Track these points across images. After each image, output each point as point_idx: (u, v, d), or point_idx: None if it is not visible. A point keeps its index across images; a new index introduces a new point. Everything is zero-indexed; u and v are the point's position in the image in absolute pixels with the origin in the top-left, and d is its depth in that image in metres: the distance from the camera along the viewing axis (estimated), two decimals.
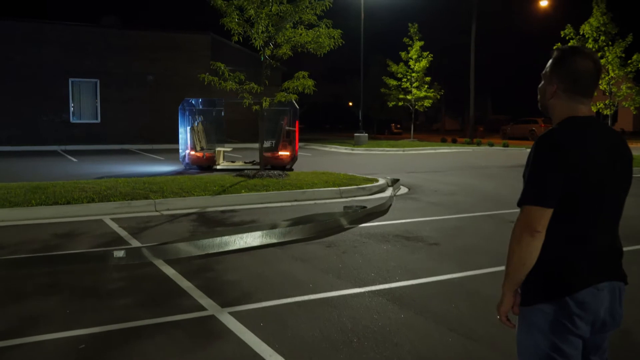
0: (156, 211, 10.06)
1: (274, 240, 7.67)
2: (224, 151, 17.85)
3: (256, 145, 16.27)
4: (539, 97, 2.51)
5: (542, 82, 2.48)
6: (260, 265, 6.53)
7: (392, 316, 4.88)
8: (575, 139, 2.28)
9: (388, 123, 47.56)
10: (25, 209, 9.43)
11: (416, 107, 25.43)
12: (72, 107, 30.29)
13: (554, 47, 2.49)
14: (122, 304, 5.19)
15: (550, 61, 2.44)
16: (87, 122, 30.42)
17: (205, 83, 13.38)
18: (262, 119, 14.01)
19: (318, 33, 13.13)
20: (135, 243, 7.61)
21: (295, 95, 14.05)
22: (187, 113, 16.76)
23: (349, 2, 30.76)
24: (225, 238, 7.41)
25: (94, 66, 29.88)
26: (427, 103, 25.52)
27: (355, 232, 8.38)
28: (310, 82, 13.61)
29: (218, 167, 16.59)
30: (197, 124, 16.61)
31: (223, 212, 10.15)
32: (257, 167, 15.03)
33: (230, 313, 4.89)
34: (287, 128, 16.48)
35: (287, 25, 13.10)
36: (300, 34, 13.28)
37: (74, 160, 21.37)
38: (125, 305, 5.15)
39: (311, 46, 13.42)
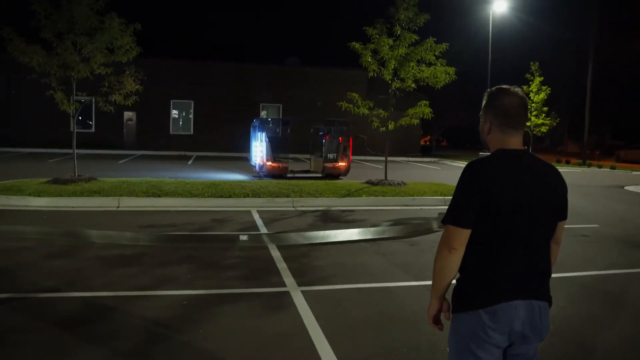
0: (293, 207, 10.42)
1: (369, 237, 7.65)
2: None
3: (304, 155, 16.73)
4: (480, 135, 2.33)
5: (480, 122, 2.30)
6: (346, 256, 6.56)
7: None
8: (497, 167, 2.09)
9: None
10: (200, 199, 10.28)
11: (534, 132, 23.91)
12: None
13: (485, 91, 2.29)
14: (228, 275, 5.52)
15: (482, 103, 2.26)
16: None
17: (342, 109, 13.61)
18: (388, 138, 13.93)
19: (434, 70, 12.81)
20: (263, 230, 7.98)
21: (418, 120, 13.82)
22: (256, 130, 15.70)
23: (478, 45, 29.61)
24: (328, 232, 7.53)
25: (277, 95, 31.74)
26: (543, 129, 23.85)
27: (440, 235, 8.07)
28: (427, 110, 13.32)
29: (288, 175, 15.34)
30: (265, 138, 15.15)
31: (343, 211, 10.26)
32: (317, 174, 15.67)
33: (302, 291, 4.99)
34: (344, 144, 15.76)
35: (411, 64, 12.93)
36: (422, 71, 13.05)
37: None
38: (230, 276, 5.47)
39: (430, 80, 13.11)
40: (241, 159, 26.14)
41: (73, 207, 9.34)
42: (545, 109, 23.70)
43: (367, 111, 13.50)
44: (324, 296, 4.92)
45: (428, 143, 46.98)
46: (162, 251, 6.46)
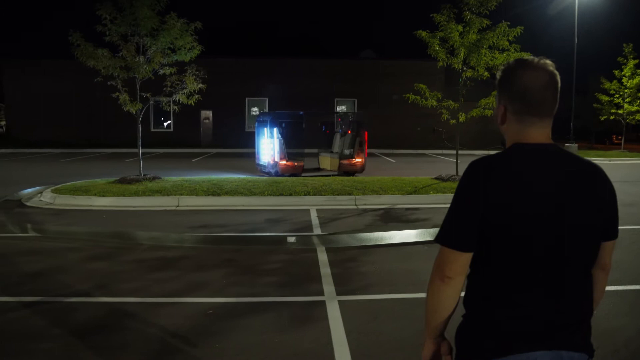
0: (355, 205, 9.95)
1: (427, 239, 7.04)
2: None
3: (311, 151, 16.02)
4: (495, 124, 1.76)
5: (495, 106, 1.74)
6: (398, 261, 6.03)
7: None
8: (510, 171, 1.52)
9: (609, 134, 41.33)
10: (259, 198, 10.08)
11: (627, 120, 21.70)
12: (337, 119, 32.20)
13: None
14: (264, 281, 5.20)
15: (496, 80, 1.69)
16: None
17: (409, 102, 12.93)
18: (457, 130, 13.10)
19: (508, 56, 11.82)
20: (317, 230, 7.60)
21: (491, 111, 12.87)
22: (265, 126, 14.25)
23: (564, 28, 27.40)
24: (382, 234, 7.04)
25: (352, 89, 31.33)
26: (638, 117, 21.60)
27: None
28: None
29: (303, 174, 13.92)
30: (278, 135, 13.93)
31: (407, 209, 9.66)
32: (333, 172, 14.53)
33: (340, 301, 4.56)
34: (359, 139, 14.55)
35: (483, 51, 12.03)
36: (495, 57, 12.11)
37: None
38: (266, 283, 5.15)
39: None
40: (311, 155, 26.00)
41: (134, 207, 9.49)
42: None
43: (435, 103, 12.74)
44: (361, 308, 4.46)
45: None
46: (204, 253, 6.28)
